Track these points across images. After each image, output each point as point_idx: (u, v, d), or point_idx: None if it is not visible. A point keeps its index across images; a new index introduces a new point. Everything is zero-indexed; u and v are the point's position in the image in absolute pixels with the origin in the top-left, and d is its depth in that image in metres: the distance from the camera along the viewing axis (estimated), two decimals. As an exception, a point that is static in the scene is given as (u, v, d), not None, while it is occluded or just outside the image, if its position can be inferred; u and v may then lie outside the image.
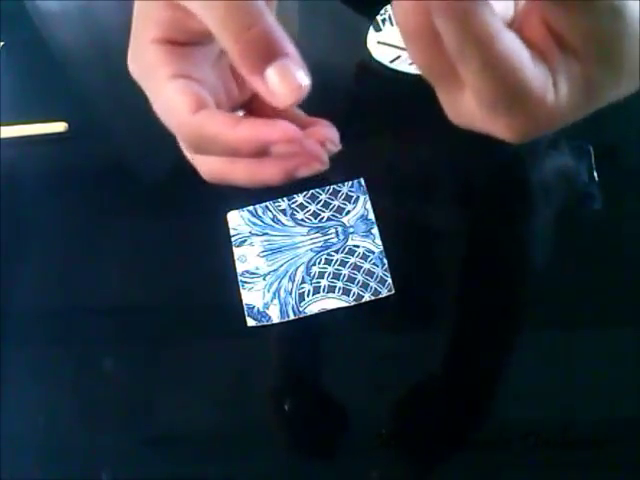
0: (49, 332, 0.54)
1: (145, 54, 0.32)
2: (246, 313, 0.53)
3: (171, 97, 0.30)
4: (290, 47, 0.28)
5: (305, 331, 0.52)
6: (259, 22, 0.27)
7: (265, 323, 0.52)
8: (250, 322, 0.52)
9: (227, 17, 0.27)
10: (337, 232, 0.55)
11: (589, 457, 0.47)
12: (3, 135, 0.60)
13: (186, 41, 0.31)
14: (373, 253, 0.54)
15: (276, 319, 0.52)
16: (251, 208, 0.56)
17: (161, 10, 0.31)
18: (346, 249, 0.54)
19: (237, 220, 0.56)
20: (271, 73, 0.27)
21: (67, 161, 0.61)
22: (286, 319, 0.52)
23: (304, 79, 0.27)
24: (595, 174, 0.54)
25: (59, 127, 0.60)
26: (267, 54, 0.27)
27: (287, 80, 0.27)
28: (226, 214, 0.56)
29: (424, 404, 0.49)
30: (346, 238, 0.55)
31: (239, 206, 0.56)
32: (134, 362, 0.53)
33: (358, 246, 0.54)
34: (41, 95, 0.63)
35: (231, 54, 0.27)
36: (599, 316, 0.51)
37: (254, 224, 0.56)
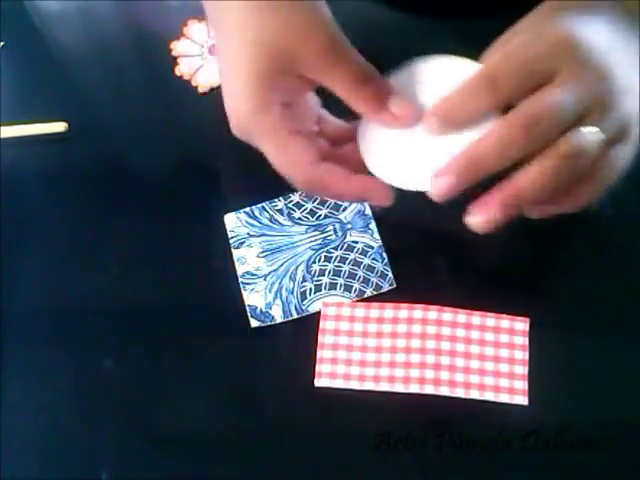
0: (49, 332, 0.54)
1: (265, 115, 0.38)
2: (249, 314, 0.53)
3: (296, 151, 0.38)
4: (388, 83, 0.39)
5: (309, 329, 0.52)
6: (374, 72, 0.38)
7: (269, 323, 0.52)
8: (254, 323, 0.52)
9: (355, 79, 0.37)
10: (335, 229, 0.55)
11: (589, 457, 0.46)
12: (3, 135, 0.61)
13: (302, 111, 0.41)
14: (372, 248, 0.54)
15: (279, 319, 0.52)
16: (248, 209, 0.56)
17: (290, 79, 0.38)
18: (345, 245, 0.54)
19: (234, 222, 0.56)
20: (392, 107, 0.38)
21: (67, 161, 0.61)
22: (289, 318, 0.52)
23: (411, 105, 0.38)
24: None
25: (59, 127, 0.60)
26: (385, 97, 0.38)
27: (405, 107, 0.38)
28: (223, 216, 0.56)
29: (424, 402, 0.49)
30: (344, 234, 0.55)
31: (236, 208, 0.56)
32: (134, 362, 0.53)
33: (357, 242, 0.54)
34: (41, 95, 0.63)
35: (363, 100, 0.38)
36: (599, 317, 0.51)
37: (252, 225, 0.56)
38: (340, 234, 0.55)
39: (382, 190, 0.39)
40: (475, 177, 0.35)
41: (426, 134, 0.37)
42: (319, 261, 0.54)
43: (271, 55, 0.36)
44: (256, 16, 0.37)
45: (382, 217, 0.55)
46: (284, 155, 0.38)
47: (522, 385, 0.48)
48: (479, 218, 0.36)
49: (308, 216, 0.56)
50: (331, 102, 0.41)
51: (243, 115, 0.38)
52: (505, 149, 0.34)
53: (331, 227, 0.55)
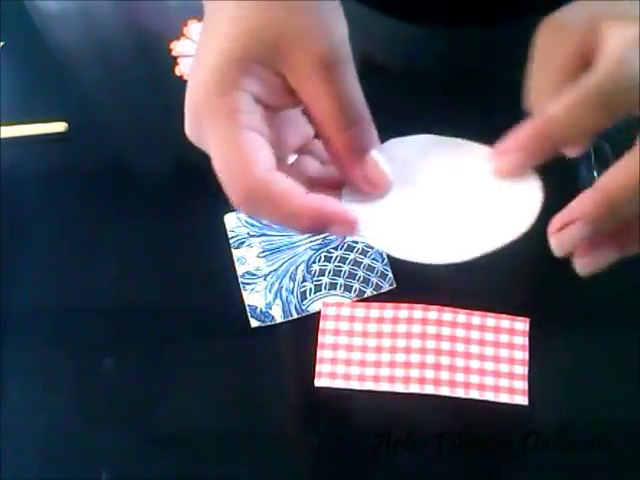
0: (49, 332, 0.54)
1: (228, 96, 0.31)
2: (249, 314, 0.53)
3: (244, 148, 0.30)
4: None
5: (309, 329, 0.52)
6: (363, 118, 0.31)
7: (269, 323, 0.52)
8: (254, 323, 0.52)
9: (338, 112, 0.30)
10: (335, 230, 0.55)
11: (589, 457, 0.46)
12: (3, 135, 0.60)
13: (271, 106, 0.32)
14: (372, 248, 0.54)
15: (279, 319, 0.52)
16: (249, 209, 0.56)
17: (269, 73, 0.31)
18: (345, 245, 0.54)
19: (234, 222, 0.56)
20: (370, 161, 0.31)
21: (67, 161, 0.61)
22: (289, 318, 0.52)
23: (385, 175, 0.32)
24: (595, 174, 0.54)
25: (59, 127, 0.60)
26: (367, 146, 0.31)
27: (380, 168, 0.32)
28: (223, 216, 0.56)
29: (424, 402, 0.49)
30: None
31: (236, 208, 0.56)
32: (134, 362, 0.53)
33: (357, 242, 0.54)
34: (41, 95, 0.63)
35: (335, 142, 0.31)
36: (599, 317, 0.51)
37: (252, 225, 0.56)
38: (340, 234, 0.55)
39: (346, 216, 0.31)
40: (546, 153, 0.31)
41: (429, 201, 0.33)
42: (319, 261, 0.54)
43: (257, 39, 0.31)
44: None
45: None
46: (229, 152, 0.31)
47: (522, 385, 0.48)
48: (505, 161, 0.32)
49: (308, 216, 0.56)
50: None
51: (202, 93, 0.31)
52: (580, 121, 0.29)
53: (331, 227, 0.55)
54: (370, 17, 0.61)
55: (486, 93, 0.54)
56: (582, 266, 0.33)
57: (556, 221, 0.31)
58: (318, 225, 0.31)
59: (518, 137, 0.31)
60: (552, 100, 0.30)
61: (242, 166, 0.30)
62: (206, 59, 0.31)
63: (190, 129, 0.33)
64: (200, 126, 0.32)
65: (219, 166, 0.31)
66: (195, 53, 0.33)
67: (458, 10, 0.57)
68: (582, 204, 0.30)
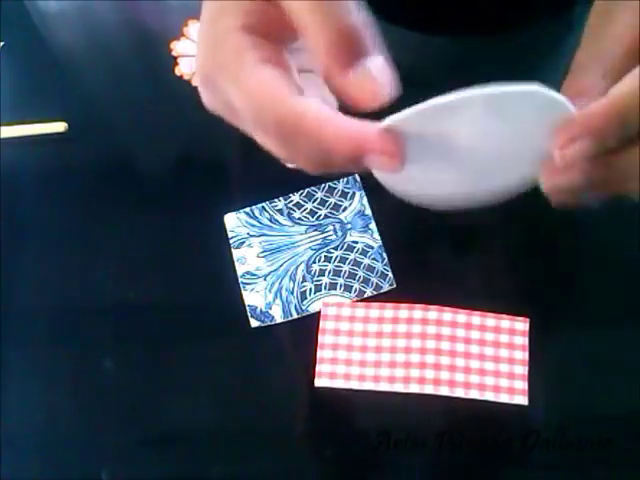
0: (49, 332, 0.54)
1: (227, 41, 0.29)
2: (249, 314, 0.53)
3: (266, 80, 0.27)
4: (378, 48, 0.26)
5: (309, 329, 0.52)
6: (348, 18, 0.26)
7: (269, 323, 0.52)
8: (254, 323, 0.52)
9: (316, 9, 0.25)
10: (335, 229, 0.55)
11: (589, 457, 0.46)
12: (3, 135, 0.60)
13: (269, 35, 0.29)
14: (372, 248, 0.54)
15: (279, 319, 0.52)
16: (248, 209, 0.56)
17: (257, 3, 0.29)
18: (345, 245, 0.54)
19: (234, 222, 0.56)
20: (357, 73, 0.26)
21: (67, 161, 0.61)
22: (289, 318, 0.52)
23: (390, 83, 0.26)
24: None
25: (59, 127, 0.60)
26: (355, 53, 0.26)
27: (372, 82, 0.26)
28: (223, 216, 0.56)
29: (424, 402, 0.49)
30: (344, 234, 0.55)
31: (235, 208, 0.56)
32: (134, 362, 0.53)
33: (357, 242, 0.54)
34: (41, 95, 0.63)
35: (316, 50, 0.26)
36: (599, 317, 0.51)
37: (252, 225, 0.56)
38: (340, 234, 0.55)
39: (391, 146, 0.26)
40: (617, 136, 0.26)
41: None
42: (319, 261, 0.54)
43: None
44: None
45: (382, 216, 0.55)
46: (252, 88, 0.28)
47: (522, 385, 0.48)
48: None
49: (308, 216, 0.56)
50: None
51: (207, 54, 0.31)
52: None
53: (331, 227, 0.55)
54: (376, 26, 0.61)
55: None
56: (561, 195, 0.29)
57: (560, 137, 0.27)
58: (358, 153, 0.26)
59: (584, 121, 0.26)
60: (609, 76, 0.27)
61: (270, 96, 0.27)
62: (201, 27, 0.31)
63: (207, 97, 0.31)
64: (215, 86, 0.30)
65: (244, 105, 0.28)
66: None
67: (465, 20, 0.57)
68: (590, 116, 0.26)
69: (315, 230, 0.55)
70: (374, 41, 0.26)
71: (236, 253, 0.55)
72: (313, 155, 0.28)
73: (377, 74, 0.26)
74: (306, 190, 0.57)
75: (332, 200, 0.56)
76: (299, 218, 0.56)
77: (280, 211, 0.56)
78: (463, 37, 0.56)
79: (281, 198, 0.57)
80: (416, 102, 0.26)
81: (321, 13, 0.25)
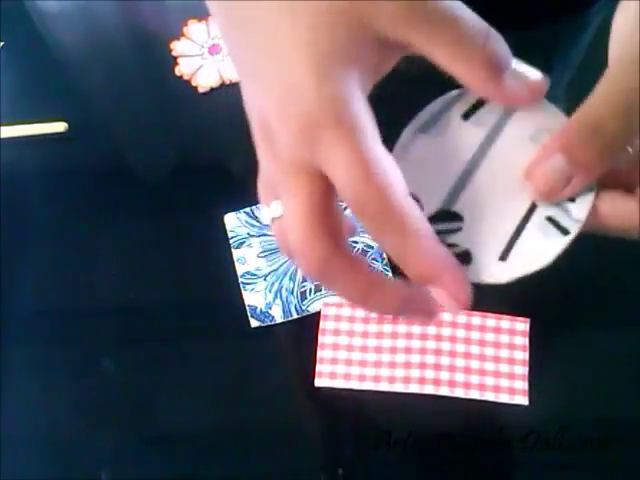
0: (49, 332, 0.54)
1: (347, 100, 0.25)
2: (249, 314, 0.53)
3: (383, 168, 0.25)
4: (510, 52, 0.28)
5: (309, 329, 0.52)
6: (490, 37, 0.27)
7: (269, 323, 0.52)
8: (254, 323, 0.52)
9: (466, 39, 0.26)
10: (336, 230, 0.55)
11: (589, 457, 0.46)
12: (3, 135, 0.60)
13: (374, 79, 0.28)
14: (372, 248, 0.54)
15: (279, 319, 0.52)
16: (248, 209, 0.56)
17: (368, 46, 0.26)
18: (345, 247, 0.54)
19: (234, 222, 0.56)
20: (510, 77, 0.27)
21: (67, 161, 0.61)
22: (289, 318, 0.52)
23: (538, 74, 0.28)
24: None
25: (59, 127, 0.60)
26: (503, 63, 0.27)
27: (526, 79, 0.28)
28: (223, 216, 0.56)
29: (424, 402, 0.49)
30: None
31: (235, 208, 0.56)
32: (134, 362, 0.53)
33: (357, 242, 0.54)
34: (41, 95, 0.63)
35: (470, 71, 0.27)
36: (599, 317, 0.51)
37: (252, 225, 0.56)
38: (340, 234, 0.55)
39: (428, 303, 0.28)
40: (594, 147, 0.27)
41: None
42: (319, 261, 0.54)
43: (340, 19, 0.25)
44: None
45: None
46: (367, 170, 0.25)
47: (522, 385, 0.48)
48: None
49: (308, 216, 0.56)
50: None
51: (307, 105, 0.25)
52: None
53: (331, 227, 0.55)
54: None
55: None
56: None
57: (533, 162, 0.28)
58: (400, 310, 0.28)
59: (555, 137, 0.28)
60: None
61: (384, 189, 0.25)
62: (292, 64, 0.25)
63: (298, 148, 0.26)
64: (317, 139, 0.25)
65: (354, 193, 0.25)
66: (242, 67, 0.28)
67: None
68: (559, 135, 0.27)
69: (315, 230, 0.55)
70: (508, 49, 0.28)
71: (236, 253, 0.55)
72: (349, 297, 0.27)
73: (526, 73, 0.28)
74: (306, 190, 0.57)
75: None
76: (299, 218, 0.56)
77: (280, 211, 0.56)
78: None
79: (281, 198, 0.57)
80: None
81: (472, 41, 0.26)
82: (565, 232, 0.29)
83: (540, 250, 0.29)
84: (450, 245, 0.28)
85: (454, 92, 0.29)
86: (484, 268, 0.29)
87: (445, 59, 0.26)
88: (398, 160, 0.26)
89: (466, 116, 0.29)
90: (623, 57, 0.27)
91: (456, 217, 0.28)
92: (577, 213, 0.29)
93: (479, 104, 0.29)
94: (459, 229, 0.28)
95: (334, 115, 0.25)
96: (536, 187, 0.28)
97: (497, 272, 0.29)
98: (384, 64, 0.28)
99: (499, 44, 0.27)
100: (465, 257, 0.28)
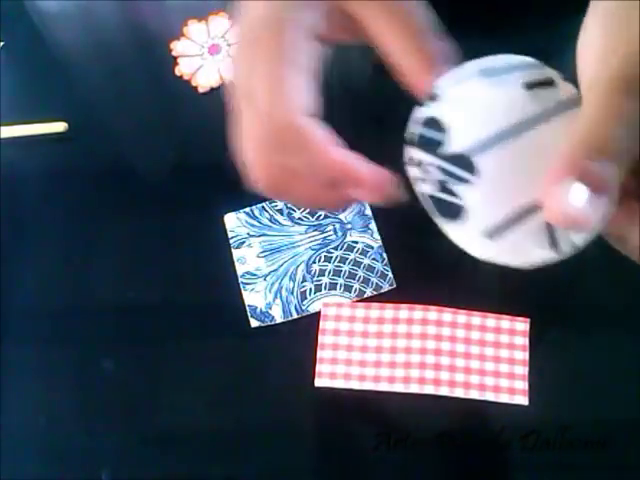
0: (49, 332, 0.54)
1: (278, 32, 0.28)
2: (249, 314, 0.53)
3: (286, 85, 0.28)
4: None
5: (309, 329, 0.52)
6: (430, 39, 0.28)
7: (269, 323, 0.52)
8: (254, 323, 0.52)
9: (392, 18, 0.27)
10: (335, 229, 0.55)
11: (589, 457, 0.46)
12: (3, 135, 0.61)
13: (326, 39, 0.30)
14: (372, 248, 0.54)
15: (279, 319, 0.52)
16: (248, 209, 0.56)
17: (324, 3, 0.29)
18: (345, 245, 0.54)
19: (234, 222, 0.56)
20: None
21: (67, 161, 0.61)
22: (289, 318, 0.52)
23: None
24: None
25: (59, 127, 0.60)
26: (438, 60, 0.28)
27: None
28: (223, 216, 0.56)
29: (424, 402, 0.49)
30: (344, 234, 0.55)
31: (236, 208, 0.56)
32: (134, 362, 0.53)
33: (357, 242, 0.54)
34: (41, 95, 0.64)
35: (407, 64, 0.28)
36: (599, 317, 0.51)
37: (252, 225, 0.56)
38: (340, 234, 0.55)
39: (375, 178, 0.30)
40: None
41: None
42: (319, 261, 0.54)
43: None
44: None
45: (382, 216, 0.55)
46: (268, 86, 0.28)
47: (522, 385, 0.48)
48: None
49: (308, 216, 0.56)
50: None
51: (254, 27, 0.29)
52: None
53: (331, 227, 0.55)
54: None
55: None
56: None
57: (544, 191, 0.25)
58: (340, 182, 0.29)
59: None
60: None
61: (277, 102, 0.28)
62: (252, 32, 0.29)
63: (239, 71, 0.30)
64: (252, 66, 0.29)
65: (249, 98, 0.29)
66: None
67: (468, 19, 0.57)
68: (564, 156, 0.24)
69: (315, 230, 0.55)
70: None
71: (236, 253, 0.55)
72: (313, 179, 0.30)
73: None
74: (306, 190, 0.57)
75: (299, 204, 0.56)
76: (299, 218, 0.56)
77: (280, 211, 0.56)
78: (476, 36, 0.56)
79: (281, 198, 0.57)
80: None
81: (412, 42, 0.28)
82: (556, 248, 0.27)
83: (525, 252, 0.28)
84: (450, 193, 0.27)
85: (522, 58, 0.28)
86: (467, 235, 0.28)
87: (383, 39, 0.28)
88: (448, 88, 0.27)
89: (528, 86, 0.27)
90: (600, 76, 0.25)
91: (471, 169, 0.27)
92: (578, 238, 0.27)
93: (547, 83, 0.28)
94: (468, 181, 0.27)
95: (264, 42, 0.28)
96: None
97: (477, 245, 0.28)
98: (336, 29, 0.29)
99: (444, 45, 0.28)
100: (456, 213, 0.27)
